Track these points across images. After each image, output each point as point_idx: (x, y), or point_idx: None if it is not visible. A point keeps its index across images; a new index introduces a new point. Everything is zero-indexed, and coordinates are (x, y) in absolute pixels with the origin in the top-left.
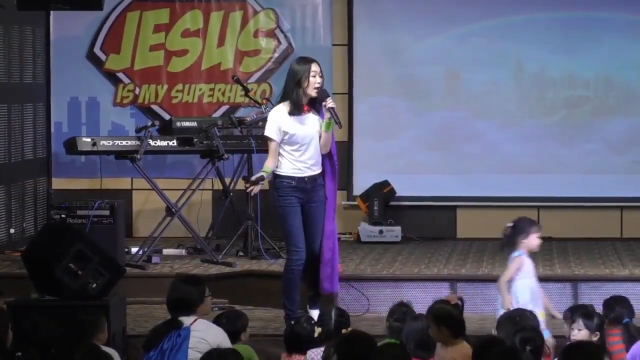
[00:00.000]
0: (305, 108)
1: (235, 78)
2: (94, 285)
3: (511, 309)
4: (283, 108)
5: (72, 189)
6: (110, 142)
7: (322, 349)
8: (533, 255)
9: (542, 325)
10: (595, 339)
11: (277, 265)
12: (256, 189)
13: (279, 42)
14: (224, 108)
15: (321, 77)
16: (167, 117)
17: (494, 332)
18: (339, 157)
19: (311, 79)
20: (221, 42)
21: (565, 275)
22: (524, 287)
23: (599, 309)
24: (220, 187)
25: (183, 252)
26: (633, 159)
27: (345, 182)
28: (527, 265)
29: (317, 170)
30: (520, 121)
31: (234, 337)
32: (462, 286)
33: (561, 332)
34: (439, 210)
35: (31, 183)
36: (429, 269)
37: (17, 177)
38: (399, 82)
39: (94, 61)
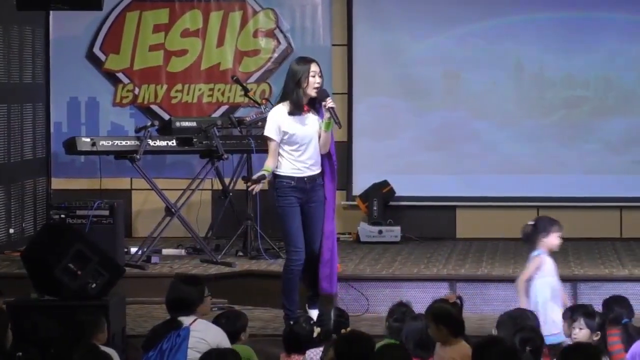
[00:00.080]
0: (305, 108)
1: (234, 78)
2: (94, 285)
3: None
4: (283, 108)
5: (71, 189)
6: (110, 142)
7: (321, 349)
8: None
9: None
10: (596, 338)
11: (276, 265)
12: (257, 187)
13: (279, 42)
14: (223, 108)
15: (321, 77)
16: (166, 117)
17: (494, 332)
18: (338, 157)
19: (311, 79)
20: (221, 42)
21: (564, 275)
22: (543, 285)
23: (598, 309)
24: (220, 187)
25: (182, 252)
26: (632, 158)
27: (345, 182)
28: (548, 264)
29: (316, 170)
30: (520, 121)
31: (233, 337)
32: (462, 286)
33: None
34: (439, 210)
35: (30, 183)
36: (428, 269)
37: (17, 177)
38: (399, 82)
39: (93, 61)
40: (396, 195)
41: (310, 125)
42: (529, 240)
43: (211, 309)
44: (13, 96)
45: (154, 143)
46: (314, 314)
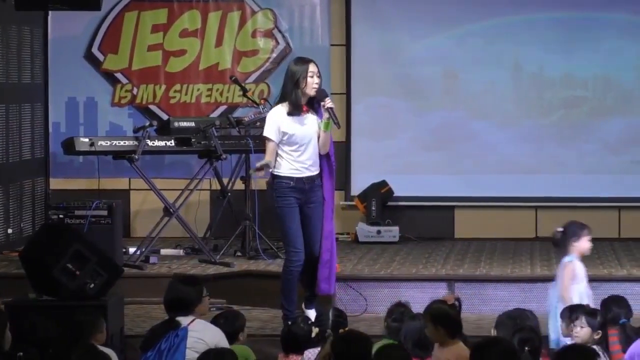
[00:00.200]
0: (304, 108)
1: (233, 78)
2: (92, 285)
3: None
4: (282, 109)
5: (70, 189)
6: (108, 142)
7: (320, 349)
8: (528, 254)
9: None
10: (597, 337)
11: (274, 265)
12: (260, 173)
13: (277, 42)
14: (222, 108)
15: (319, 77)
16: (165, 117)
17: (493, 332)
18: (336, 157)
19: (309, 79)
20: (219, 42)
21: None
22: (573, 292)
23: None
24: (218, 187)
25: (181, 252)
26: (631, 159)
27: (343, 182)
28: (579, 269)
29: (315, 171)
30: (518, 121)
31: (231, 337)
32: (460, 286)
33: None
34: (437, 210)
35: (29, 183)
36: (426, 269)
37: (15, 177)
38: (397, 82)
39: (91, 61)
40: (395, 195)
41: (310, 126)
42: (559, 246)
43: (209, 309)
44: (11, 96)
45: (153, 143)
46: (311, 314)
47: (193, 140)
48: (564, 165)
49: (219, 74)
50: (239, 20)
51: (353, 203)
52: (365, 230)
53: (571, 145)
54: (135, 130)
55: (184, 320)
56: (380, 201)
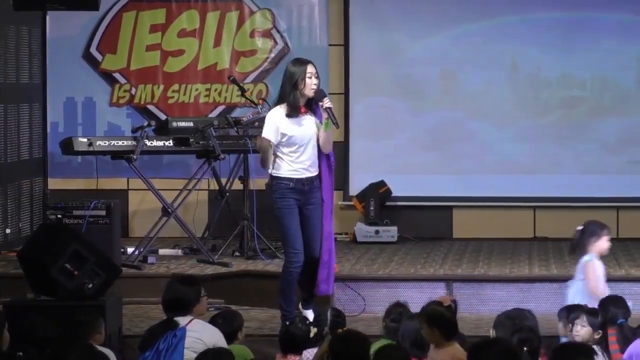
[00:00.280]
0: (302, 109)
1: (231, 78)
2: (90, 285)
3: None
4: (280, 110)
5: (68, 189)
6: (107, 142)
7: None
8: (526, 254)
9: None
10: (597, 337)
11: (273, 265)
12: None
13: (275, 42)
14: (220, 108)
15: (317, 78)
16: (163, 117)
17: (492, 332)
18: (335, 157)
19: (307, 80)
20: (217, 42)
21: (561, 275)
22: (605, 287)
23: None
24: (217, 187)
25: (179, 252)
26: (628, 159)
27: (342, 182)
28: (600, 268)
29: (314, 172)
30: (516, 121)
31: (229, 337)
32: (458, 286)
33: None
34: (435, 210)
35: (27, 183)
36: (425, 269)
37: (13, 177)
38: (395, 82)
39: (90, 61)
40: (393, 195)
41: (308, 127)
42: (579, 245)
43: (208, 309)
44: (10, 96)
45: (151, 143)
46: (308, 314)
47: (191, 140)
48: (561, 165)
49: (217, 74)
50: (237, 20)
51: (351, 203)
52: (363, 230)
53: (569, 145)
54: (134, 130)
55: (182, 320)
56: (378, 201)
